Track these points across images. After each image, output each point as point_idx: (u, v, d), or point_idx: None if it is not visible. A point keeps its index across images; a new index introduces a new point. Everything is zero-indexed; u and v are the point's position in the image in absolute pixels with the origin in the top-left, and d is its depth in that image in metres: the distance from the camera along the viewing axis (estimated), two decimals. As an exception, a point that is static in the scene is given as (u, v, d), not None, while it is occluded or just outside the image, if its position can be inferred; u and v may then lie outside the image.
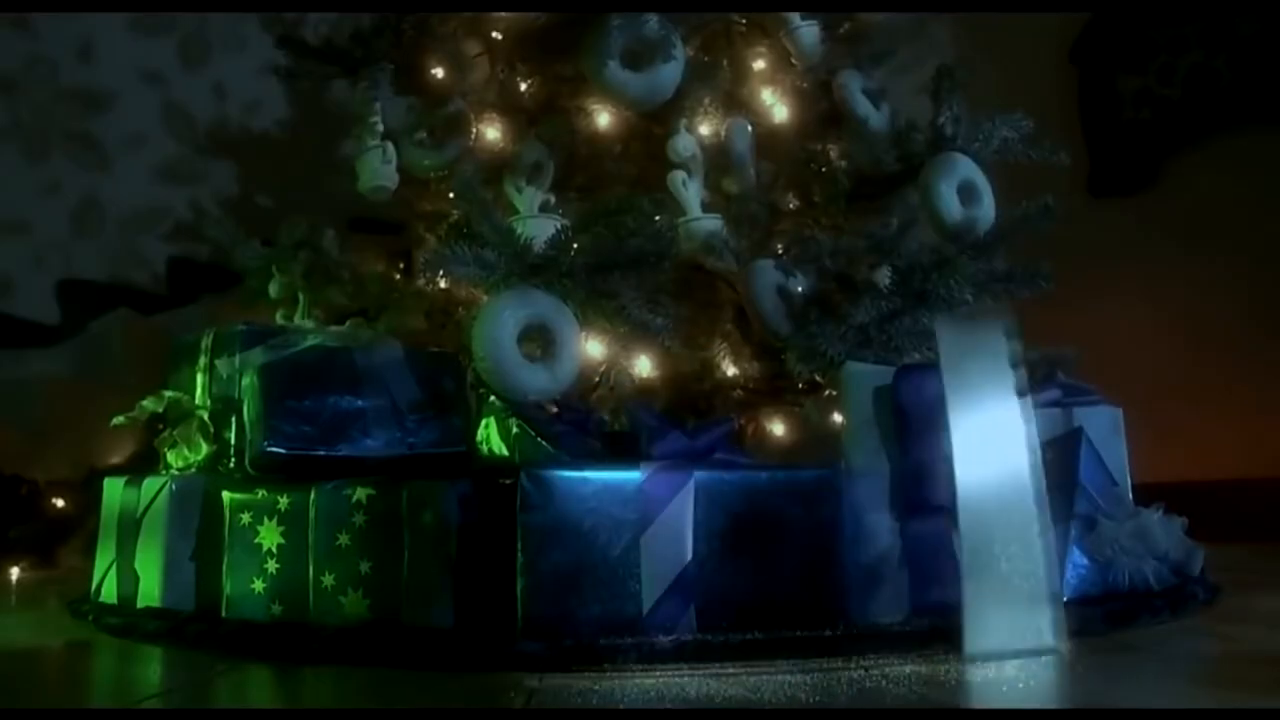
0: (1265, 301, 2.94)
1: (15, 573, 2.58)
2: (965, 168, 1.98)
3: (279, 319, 2.11)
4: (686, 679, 1.32)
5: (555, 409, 1.80)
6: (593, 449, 1.70)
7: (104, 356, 3.17)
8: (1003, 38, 3.32)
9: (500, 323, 1.72)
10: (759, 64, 2.29)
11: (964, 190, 1.97)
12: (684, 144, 2.09)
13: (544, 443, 1.68)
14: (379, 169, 2.10)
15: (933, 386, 1.54)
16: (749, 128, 2.20)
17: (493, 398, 1.81)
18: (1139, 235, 3.11)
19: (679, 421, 1.72)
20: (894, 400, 1.55)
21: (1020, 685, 1.25)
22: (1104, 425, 1.78)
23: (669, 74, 1.97)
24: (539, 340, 1.76)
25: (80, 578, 2.03)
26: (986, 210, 1.99)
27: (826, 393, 1.97)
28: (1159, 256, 3.07)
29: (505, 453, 1.79)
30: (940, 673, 1.32)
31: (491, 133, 2.24)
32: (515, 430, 1.75)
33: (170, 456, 1.90)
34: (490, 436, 1.84)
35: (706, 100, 2.11)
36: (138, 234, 3.29)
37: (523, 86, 2.25)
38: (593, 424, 1.79)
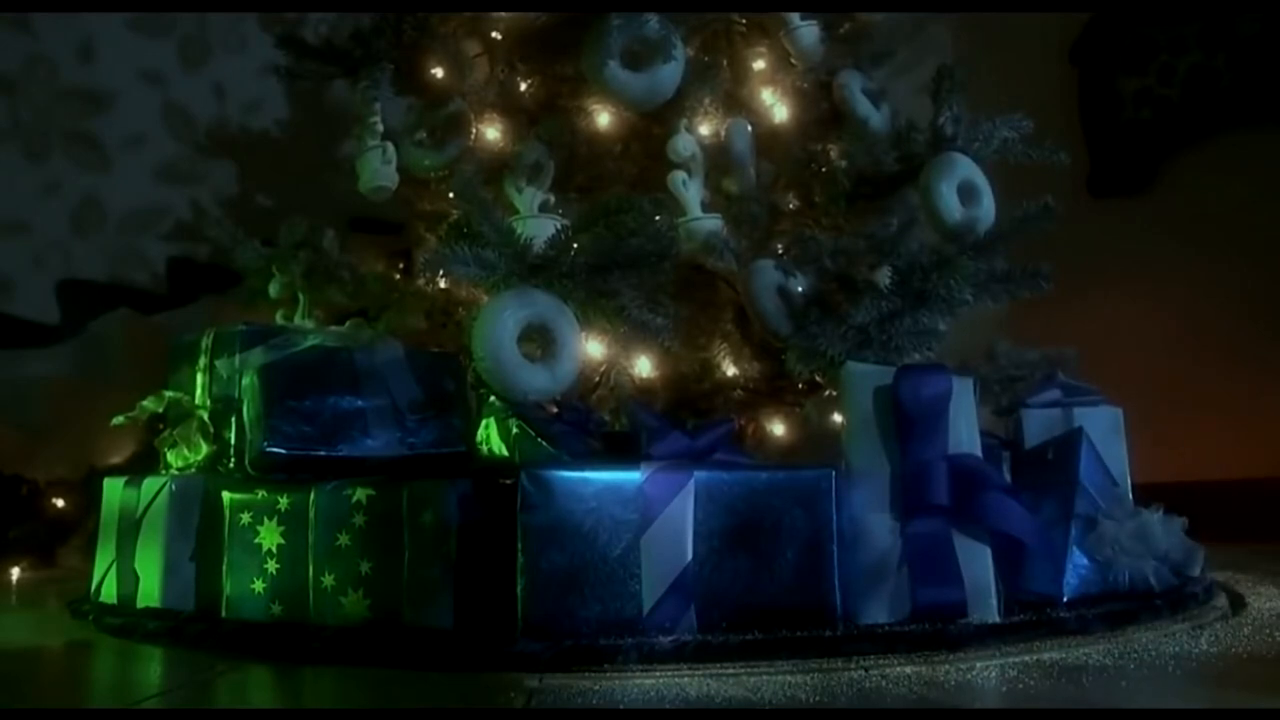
0: (1265, 301, 2.93)
1: (15, 573, 2.58)
2: (965, 168, 1.98)
3: (279, 319, 2.11)
4: (686, 679, 1.32)
5: (555, 409, 1.80)
6: (593, 449, 1.70)
7: (104, 356, 3.17)
8: (1003, 38, 3.32)
9: (500, 323, 1.72)
10: (759, 64, 2.29)
11: (964, 190, 1.97)
12: (684, 144, 2.09)
13: (544, 443, 1.68)
14: (379, 169, 2.10)
15: (933, 386, 1.54)
16: (749, 128, 2.20)
17: (493, 398, 1.81)
18: (1139, 235, 3.11)
19: (679, 422, 1.73)
20: (894, 400, 1.55)
21: (1020, 686, 1.25)
22: (1104, 425, 1.78)
23: (669, 74, 1.98)
24: (539, 340, 1.76)
25: (80, 578, 2.03)
26: (986, 210, 1.99)
27: (827, 393, 1.97)
28: (1159, 256, 3.07)
29: (505, 453, 1.79)
30: (940, 673, 1.32)
31: (491, 132, 2.24)
32: (515, 430, 1.75)
33: (170, 456, 1.90)
34: (490, 436, 1.84)
35: (707, 100, 2.11)
36: (138, 234, 3.29)
37: (523, 86, 2.25)
38: (593, 424, 1.79)
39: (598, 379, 2.02)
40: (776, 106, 2.29)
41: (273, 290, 2.14)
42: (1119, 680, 1.27)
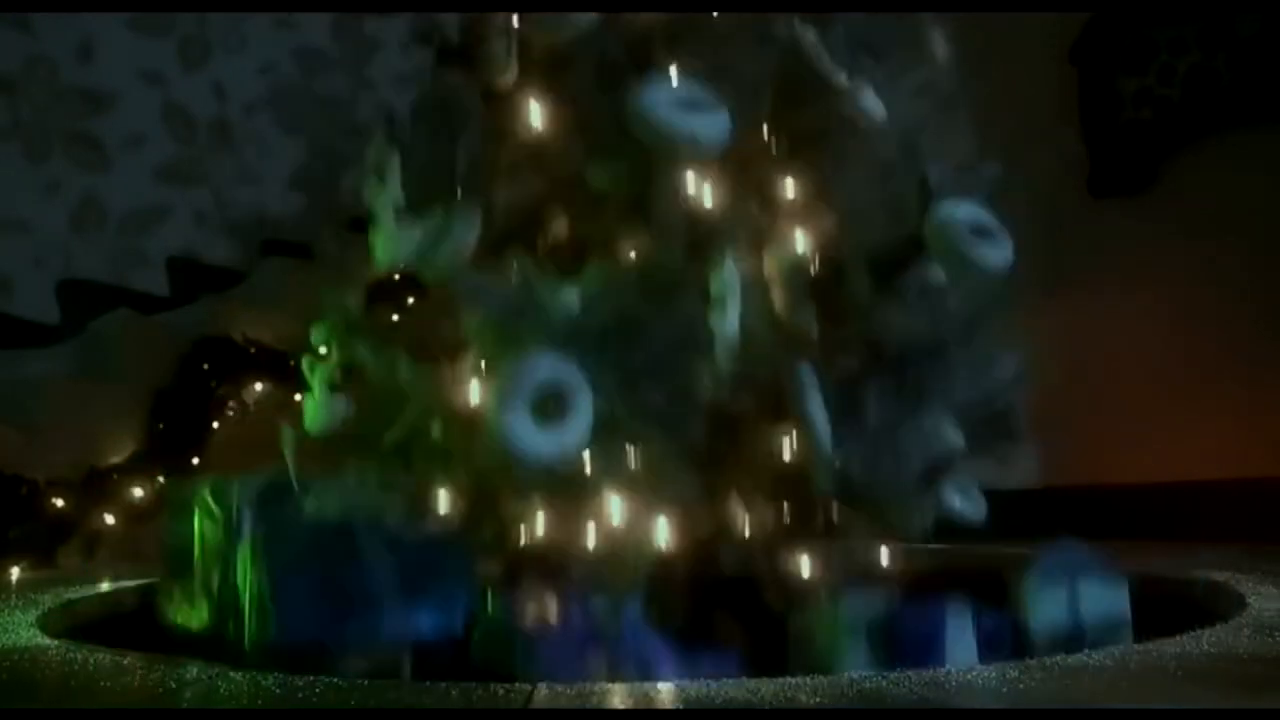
0: (1265, 301, 2.94)
1: (15, 573, 2.58)
2: (969, 213, 1.87)
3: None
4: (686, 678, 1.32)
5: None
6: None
7: (104, 356, 3.17)
8: (1003, 38, 3.32)
9: (515, 383, 1.65)
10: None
11: (976, 231, 1.86)
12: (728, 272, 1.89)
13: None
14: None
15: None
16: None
17: None
18: (1139, 235, 3.11)
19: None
20: None
21: (1020, 686, 1.25)
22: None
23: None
24: (552, 405, 1.66)
25: (80, 578, 2.03)
26: (1002, 246, 1.87)
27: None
28: (1159, 256, 3.07)
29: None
30: (940, 673, 1.32)
31: None
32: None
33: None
34: None
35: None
36: (138, 234, 3.29)
37: None
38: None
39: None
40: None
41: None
42: (1119, 680, 1.27)
